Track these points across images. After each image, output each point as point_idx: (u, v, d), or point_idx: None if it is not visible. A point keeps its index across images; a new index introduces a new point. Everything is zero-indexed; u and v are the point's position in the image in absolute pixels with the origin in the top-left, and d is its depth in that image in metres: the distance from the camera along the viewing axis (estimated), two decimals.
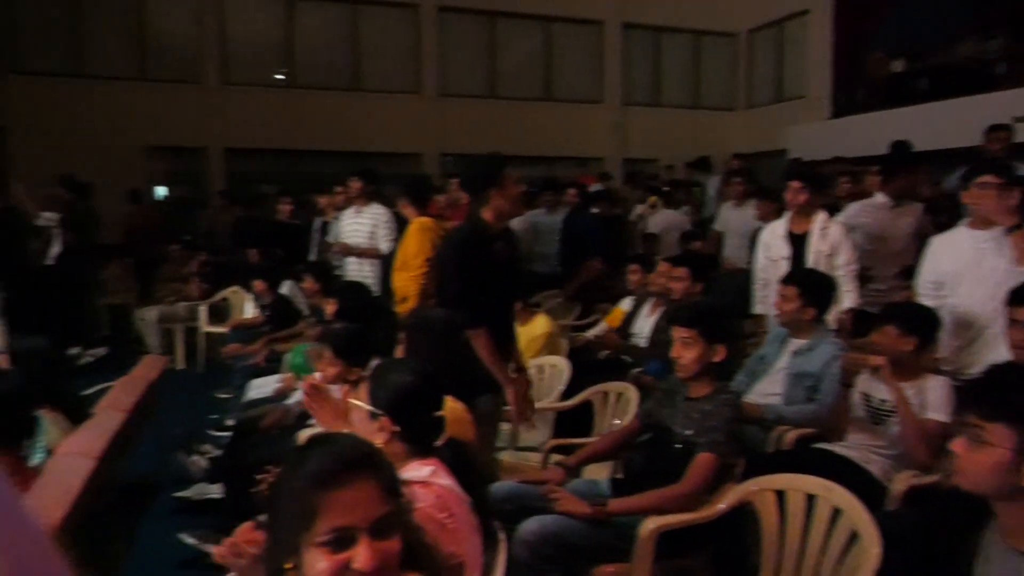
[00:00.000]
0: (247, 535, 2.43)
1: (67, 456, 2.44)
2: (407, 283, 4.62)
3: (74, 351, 6.94)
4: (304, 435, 3.23)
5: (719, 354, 2.65)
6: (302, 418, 3.55)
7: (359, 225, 5.56)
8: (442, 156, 14.21)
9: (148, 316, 7.13)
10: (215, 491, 3.83)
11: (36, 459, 2.54)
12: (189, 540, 3.28)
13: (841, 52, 12.25)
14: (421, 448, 1.84)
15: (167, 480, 4.06)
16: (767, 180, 7.64)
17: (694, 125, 14.67)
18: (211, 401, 5.64)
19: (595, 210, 7.39)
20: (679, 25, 14.95)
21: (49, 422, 2.68)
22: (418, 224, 4.79)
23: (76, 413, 2.96)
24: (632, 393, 3.51)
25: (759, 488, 2.45)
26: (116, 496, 3.28)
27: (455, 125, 13.97)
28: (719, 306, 3.28)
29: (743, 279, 5.05)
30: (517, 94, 14.67)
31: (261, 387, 4.45)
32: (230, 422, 4.66)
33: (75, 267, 7.59)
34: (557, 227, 7.00)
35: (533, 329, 4.38)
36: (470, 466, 1.93)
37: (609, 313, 5.39)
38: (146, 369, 3.77)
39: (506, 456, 3.63)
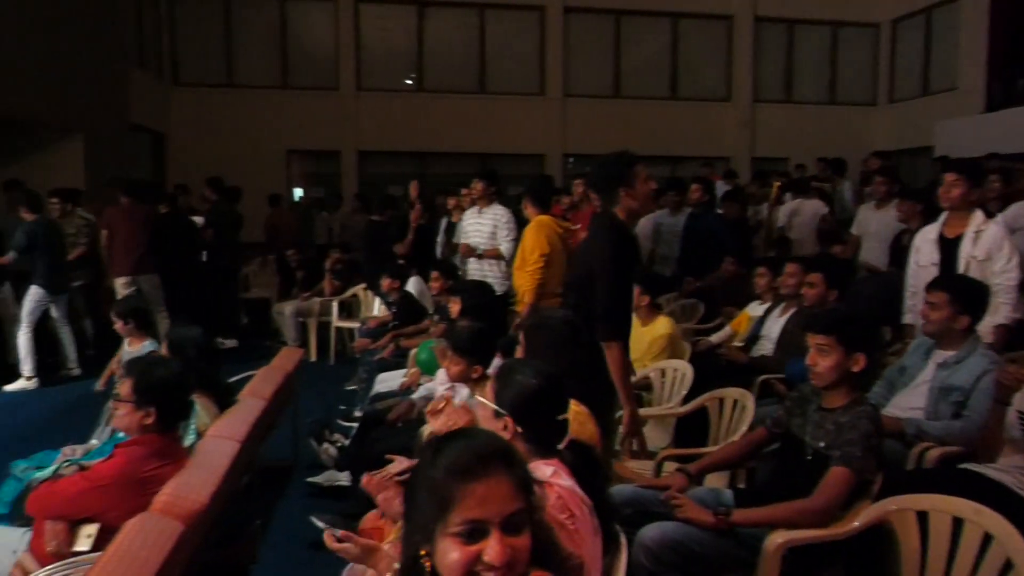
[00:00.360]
0: (372, 523, 2.53)
1: (216, 439, 2.64)
2: (524, 280, 4.68)
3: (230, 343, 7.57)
4: (425, 431, 3.33)
5: (858, 363, 2.50)
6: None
7: (480, 225, 5.67)
8: (565, 157, 14.25)
9: (285, 310, 7.58)
10: (343, 479, 4.01)
11: (188, 440, 2.75)
12: (319, 523, 3.44)
13: (997, 39, 11.27)
14: (544, 449, 1.85)
15: (300, 465, 4.30)
16: (911, 180, 7.14)
17: (829, 121, 13.94)
18: (340, 393, 5.92)
19: (719, 211, 7.16)
20: (815, 17, 14.24)
21: (200, 406, 2.90)
22: (535, 222, 4.83)
23: (223, 399, 3.19)
24: (749, 401, 3.37)
25: (899, 508, 2.29)
26: (256, 477, 3.51)
27: (578, 126, 13.97)
28: (860, 313, 3.09)
29: (885, 284, 4.75)
30: (642, 93, 14.48)
31: (388, 381, 4.62)
32: (358, 413, 4.87)
33: (221, 264, 8.35)
34: (679, 229, 6.83)
35: (655, 329, 4.31)
36: (592, 468, 1.93)
37: (734, 317, 5.22)
38: (284, 360, 4.01)
39: (620, 461, 3.58)
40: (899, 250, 5.05)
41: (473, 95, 14.41)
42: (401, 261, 6.60)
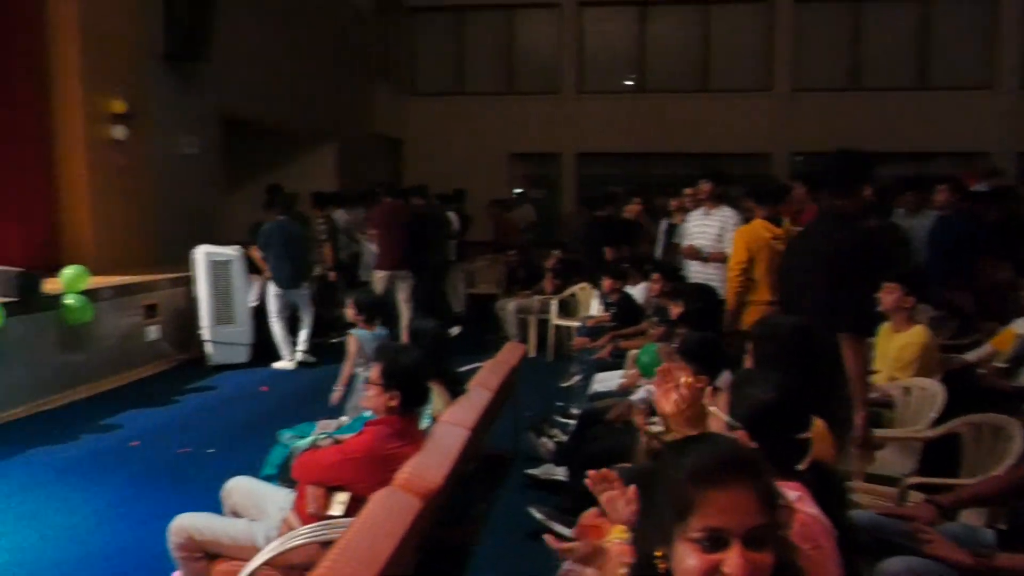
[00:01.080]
0: (591, 521, 2.55)
1: (448, 425, 2.81)
2: (728, 287, 4.55)
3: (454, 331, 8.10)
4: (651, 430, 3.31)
5: None
6: (650, 414, 3.63)
7: (707, 227, 5.51)
8: (792, 156, 13.45)
9: (508, 306, 7.91)
10: (560, 473, 4.10)
11: (424, 423, 2.97)
12: (537, 515, 3.55)
13: None
14: (782, 469, 1.75)
15: (520, 457, 4.46)
16: None
17: None
18: (557, 389, 6.06)
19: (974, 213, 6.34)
20: None
21: (435, 393, 3.11)
22: (742, 228, 4.69)
23: (454, 387, 3.40)
24: (1017, 430, 2.95)
25: None
26: (480, 465, 3.69)
27: (808, 122, 13.12)
28: None
29: None
30: (884, 84, 13.27)
31: (605, 381, 4.66)
32: (575, 411, 4.96)
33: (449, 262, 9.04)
34: (918, 232, 6.20)
35: (910, 337, 3.88)
36: (836, 494, 1.79)
37: (996, 334, 4.60)
38: (508, 354, 4.17)
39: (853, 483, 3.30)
40: None
41: (695, 94, 14.07)
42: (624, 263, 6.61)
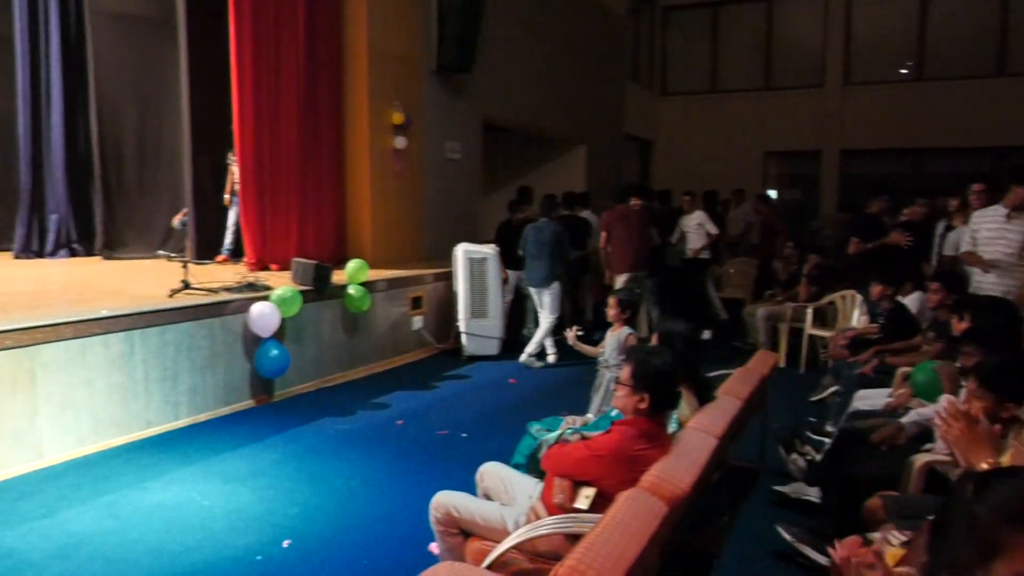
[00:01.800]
0: (852, 550, 2.35)
1: (696, 431, 2.76)
2: None
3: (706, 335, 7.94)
4: (920, 459, 2.98)
5: None
6: (918, 440, 3.27)
7: (1008, 232, 4.78)
8: None
9: (756, 313, 7.54)
10: (812, 494, 3.84)
11: (671, 428, 2.93)
12: (786, 535, 3.36)
13: None
14: None
15: (766, 471, 4.24)
16: None
17: None
18: (808, 403, 5.67)
19: None
20: None
21: (684, 397, 3.06)
22: None
23: (702, 392, 3.32)
24: None
25: None
26: (725, 475, 3.57)
27: None
28: None
29: None
30: None
31: (869, 399, 4.26)
32: (830, 428, 4.60)
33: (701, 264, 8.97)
34: None
35: None
36: None
37: None
38: (759, 363, 3.99)
39: None
40: None
41: (986, 79, 12.34)
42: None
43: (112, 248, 8.52)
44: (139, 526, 3.61)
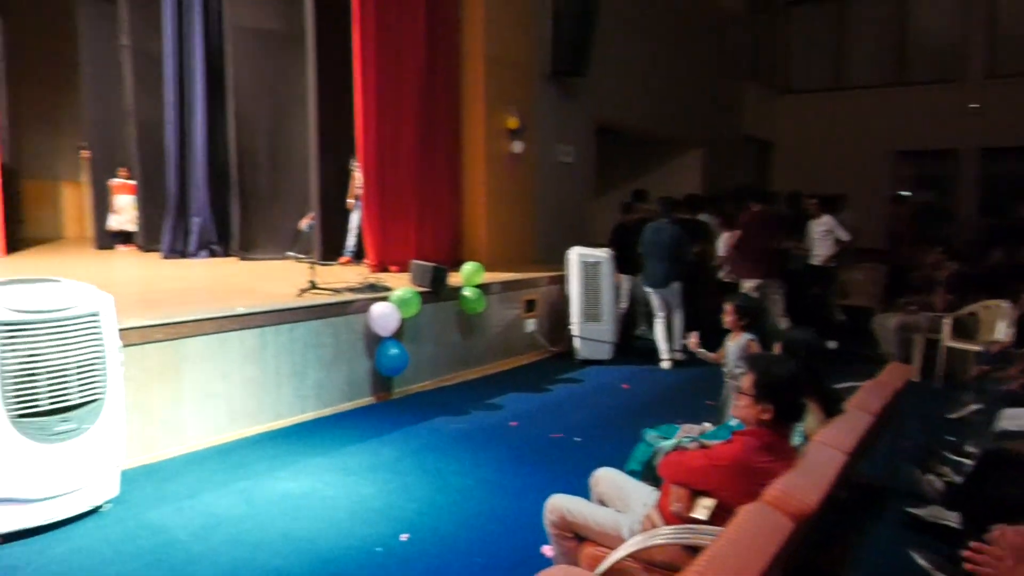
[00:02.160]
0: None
1: (823, 446, 2.64)
2: None
3: (831, 345, 7.58)
4: None
5: None
6: None
7: None
8: None
9: (887, 323, 7.12)
10: (951, 519, 3.60)
11: (795, 440, 2.82)
12: (921, 561, 3.17)
13: None
14: None
15: (898, 491, 4.00)
16: None
17: None
18: (946, 421, 5.31)
19: None
20: None
21: (809, 410, 2.94)
22: None
23: (829, 405, 3.18)
24: None
25: None
26: (853, 494, 3.39)
27: None
28: None
29: None
30: None
31: (1016, 418, 3.94)
32: (972, 448, 4.29)
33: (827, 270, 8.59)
34: None
35: None
36: None
37: None
38: (892, 376, 3.76)
39: None
40: None
41: None
42: None
43: (247, 249, 9.10)
44: (270, 512, 3.83)
